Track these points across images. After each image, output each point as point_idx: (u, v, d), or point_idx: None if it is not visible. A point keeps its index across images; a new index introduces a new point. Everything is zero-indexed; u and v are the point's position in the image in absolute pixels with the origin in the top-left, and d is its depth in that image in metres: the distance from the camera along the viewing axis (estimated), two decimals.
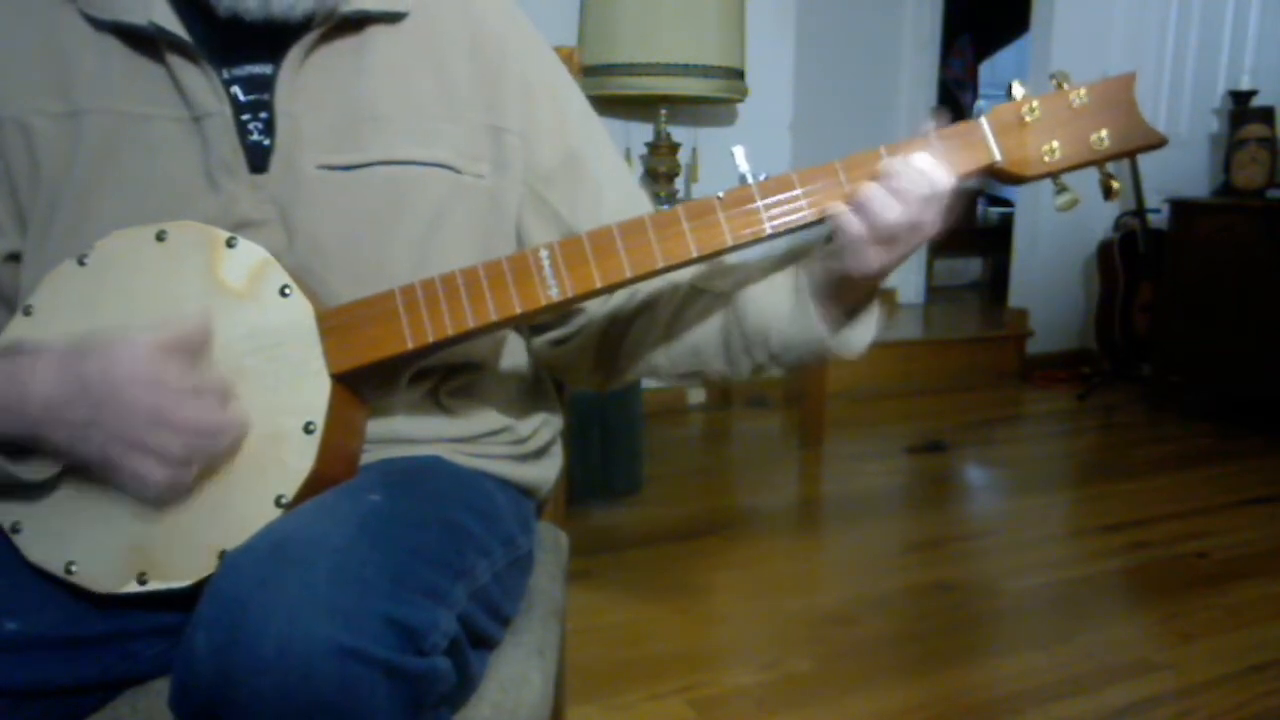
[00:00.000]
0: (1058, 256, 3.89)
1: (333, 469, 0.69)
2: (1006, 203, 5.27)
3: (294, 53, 0.74)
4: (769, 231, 0.72)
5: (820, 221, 0.72)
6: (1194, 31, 3.64)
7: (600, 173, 0.85)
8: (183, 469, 0.65)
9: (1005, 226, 4.59)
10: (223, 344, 0.68)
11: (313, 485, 0.66)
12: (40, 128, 0.73)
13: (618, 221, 0.72)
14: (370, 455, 0.75)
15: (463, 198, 0.78)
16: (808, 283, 0.76)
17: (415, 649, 0.58)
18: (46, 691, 0.67)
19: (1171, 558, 2.10)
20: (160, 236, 0.70)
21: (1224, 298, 3.14)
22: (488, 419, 0.83)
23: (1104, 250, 3.61)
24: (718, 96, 2.64)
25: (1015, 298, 3.97)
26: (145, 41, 0.73)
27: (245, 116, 0.74)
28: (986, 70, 6.10)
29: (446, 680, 0.62)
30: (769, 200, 0.72)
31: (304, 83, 0.74)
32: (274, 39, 0.74)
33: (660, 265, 0.71)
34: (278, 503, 0.66)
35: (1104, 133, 0.73)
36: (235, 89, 0.74)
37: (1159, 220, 3.43)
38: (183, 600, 0.64)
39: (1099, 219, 3.76)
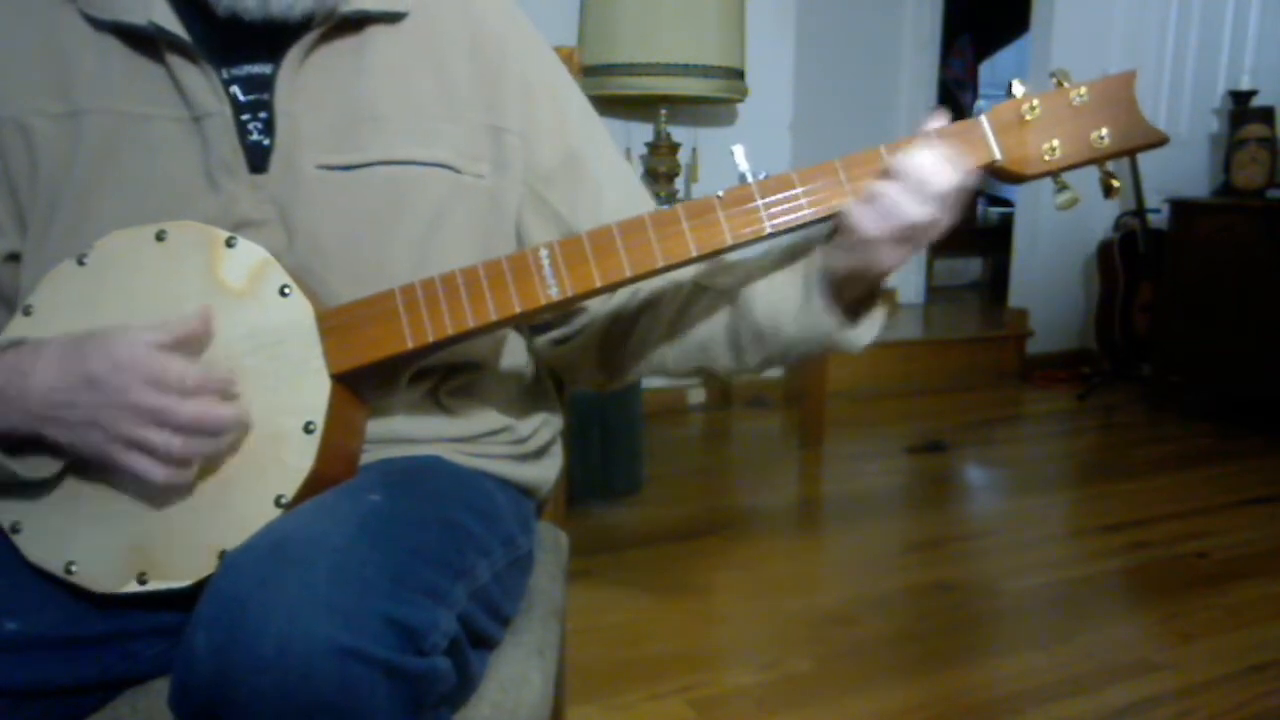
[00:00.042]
0: (1058, 256, 3.89)
1: (333, 469, 0.69)
2: (1006, 202, 5.27)
3: (294, 52, 0.74)
4: (769, 231, 0.72)
5: (821, 220, 0.72)
6: (1194, 31, 3.65)
7: (600, 172, 0.85)
8: (182, 467, 0.65)
9: (1005, 226, 4.59)
10: (223, 344, 0.68)
11: (313, 485, 0.66)
12: (40, 128, 0.73)
13: (617, 221, 0.72)
14: (370, 455, 0.75)
15: (463, 198, 0.78)
16: (816, 277, 0.76)
17: (415, 649, 0.58)
18: (46, 691, 0.67)
19: (1171, 558, 2.10)
20: (160, 236, 0.70)
21: (1224, 298, 3.14)
22: (488, 419, 0.83)
23: (1104, 250, 3.61)
24: (718, 96, 2.64)
25: (1015, 298, 3.97)
26: (145, 41, 0.73)
27: (245, 116, 0.74)
28: (986, 70, 6.10)
29: (446, 680, 0.62)
30: (769, 199, 0.71)
31: (304, 82, 0.74)
32: (273, 39, 0.74)
33: (660, 264, 0.71)
34: (277, 503, 0.66)
35: (1104, 131, 0.72)
36: (235, 89, 0.74)
37: (1159, 220, 3.43)
38: (183, 600, 0.64)
39: (1099, 219, 3.76)
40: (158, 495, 0.67)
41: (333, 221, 0.74)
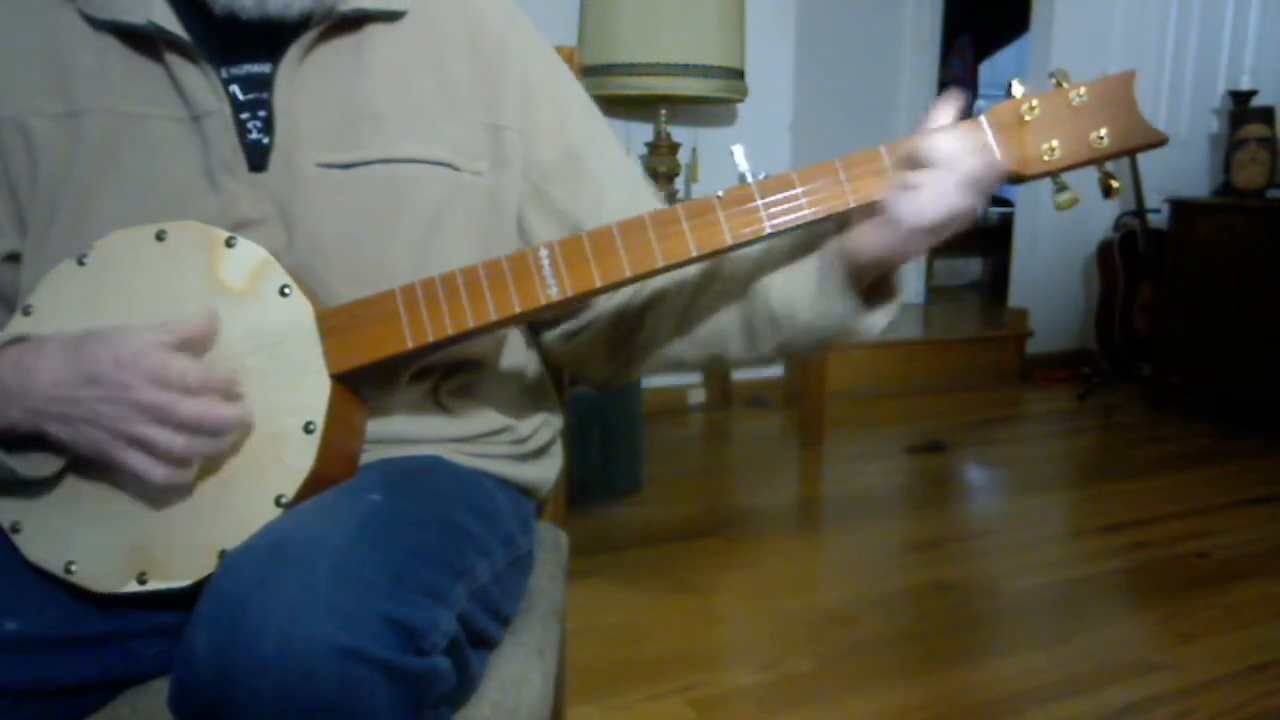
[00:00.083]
0: (1058, 256, 3.89)
1: (333, 469, 0.69)
2: (1006, 203, 5.26)
3: (292, 51, 0.74)
4: (769, 231, 0.72)
5: (820, 220, 0.72)
6: (1194, 31, 3.65)
7: (601, 171, 0.85)
8: (182, 467, 0.65)
9: (1005, 226, 4.59)
10: (223, 343, 0.68)
11: (313, 485, 0.66)
12: (40, 128, 0.73)
13: (618, 220, 0.72)
14: (370, 455, 0.75)
15: (462, 196, 0.78)
16: (832, 261, 0.75)
17: (415, 649, 0.58)
18: (46, 691, 0.67)
19: (1171, 558, 2.10)
20: (160, 236, 0.70)
21: (1224, 298, 3.14)
22: (488, 419, 0.83)
23: (1104, 250, 3.61)
24: (718, 96, 2.64)
25: (1015, 298, 3.97)
26: (144, 41, 0.73)
27: (244, 115, 0.74)
28: (986, 70, 6.10)
29: (446, 680, 0.62)
30: (769, 199, 0.71)
31: (303, 81, 0.74)
32: (272, 38, 0.74)
33: (660, 264, 0.71)
34: (277, 502, 0.66)
35: (1104, 131, 0.72)
36: (234, 88, 0.74)
37: (1159, 220, 3.43)
38: (183, 600, 0.64)
39: (1099, 219, 3.76)
40: (158, 495, 0.67)
41: (332, 220, 0.74)
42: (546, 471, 0.90)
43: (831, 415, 2.92)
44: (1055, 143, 0.73)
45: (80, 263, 0.70)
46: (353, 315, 0.70)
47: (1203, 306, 3.21)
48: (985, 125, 0.73)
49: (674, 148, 2.80)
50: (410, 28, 0.79)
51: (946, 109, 0.72)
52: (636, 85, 2.53)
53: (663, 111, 2.74)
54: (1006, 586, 1.95)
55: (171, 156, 0.73)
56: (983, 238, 5.43)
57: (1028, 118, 0.73)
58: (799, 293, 0.76)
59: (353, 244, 0.74)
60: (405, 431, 0.78)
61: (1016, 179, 0.74)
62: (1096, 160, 0.74)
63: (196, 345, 0.67)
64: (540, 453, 0.89)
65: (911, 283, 4.54)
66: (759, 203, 0.71)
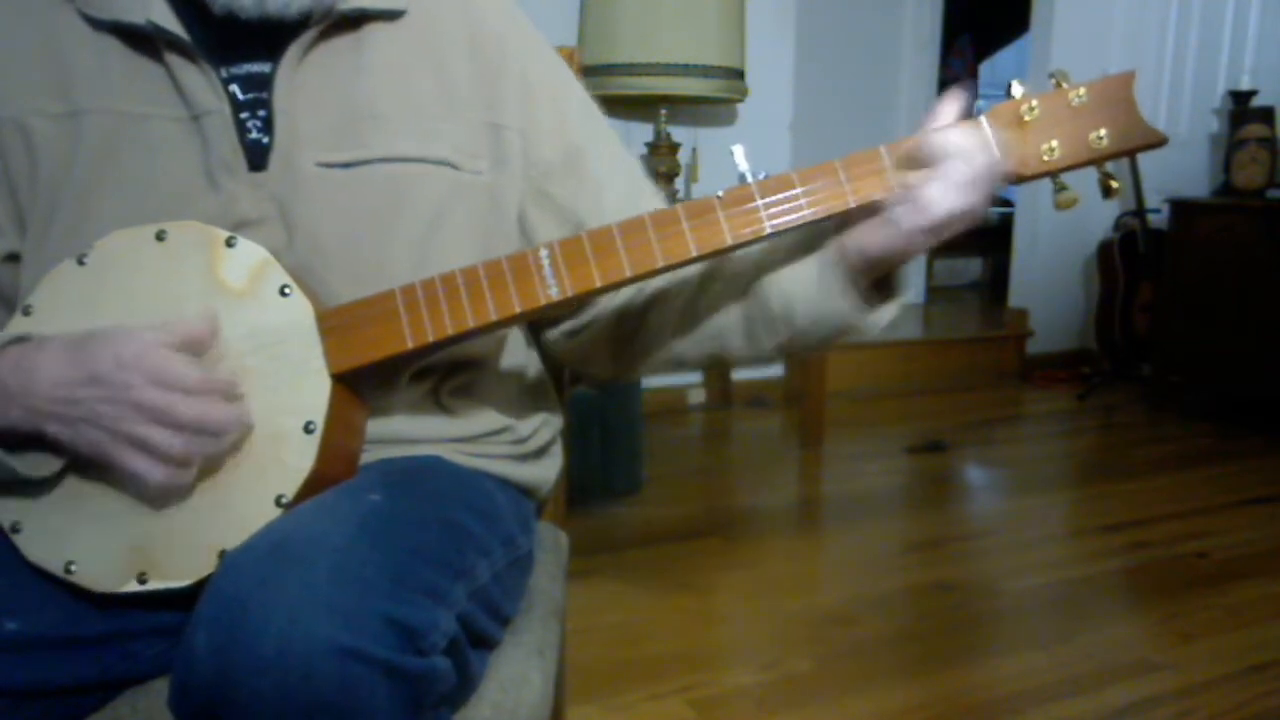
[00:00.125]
0: (1058, 256, 3.89)
1: (333, 469, 0.69)
2: (1006, 203, 5.26)
3: (292, 51, 0.74)
4: (769, 231, 0.72)
5: (820, 220, 0.72)
6: (1194, 31, 3.65)
7: (601, 171, 0.85)
8: (182, 467, 0.65)
9: (1005, 226, 4.59)
10: (223, 343, 0.68)
11: (313, 485, 0.66)
12: (39, 128, 0.73)
13: (618, 220, 0.72)
14: (370, 455, 0.75)
15: (462, 196, 0.78)
16: (833, 259, 0.75)
17: (415, 649, 0.58)
18: (46, 691, 0.67)
19: (1171, 558, 2.10)
20: (160, 236, 0.70)
21: (1224, 298, 3.15)
22: (488, 419, 0.83)
23: (1104, 250, 3.61)
24: (718, 96, 2.64)
25: (1015, 298, 3.97)
26: (144, 41, 0.73)
27: (244, 115, 0.74)
28: (986, 70, 6.10)
29: (446, 680, 0.62)
30: (769, 199, 0.71)
31: (302, 81, 0.74)
32: (272, 37, 0.74)
33: (660, 265, 0.71)
34: (278, 502, 0.66)
35: (1103, 132, 0.72)
36: (234, 87, 0.74)
37: (1159, 220, 3.43)
38: (183, 600, 0.64)
39: (1099, 219, 3.76)
40: (158, 495, 0.67)
41: (332, 219, 0.74)
42: (546, 471, 0.90)
43: (831, 415, 2.92)
44: (1055, 143, 0.73)
45: (80, 263, 0.70)
46: (353, 315, 0.70)
47: (1203, 306, 3.21)
48: (985, 125, 0.73)
49: (674, 148, 2.80)
50: (410, 27, 0.79)
51: (949, 108, 0.72)
52: (636, 85, 2.53)
53: (663, 111, 2.74)
54: (1006, 586, 1.95)
55: (171, 156, 0.73)
56: (983, 238, 5.42)
57: (1027, 118, 0.73)
58: (800, 292, 0.76)
59: (353, 243, 0.74)
60: (405, 431, 0.78)
61: (1016, 179, 0.74)
62: (1096, 160, 0.74)
63: (197, 346, 0.67)
64: (540, 453, 0.89)
65: (911, 283, 4.52)
66: (759, 203, 0.71)
